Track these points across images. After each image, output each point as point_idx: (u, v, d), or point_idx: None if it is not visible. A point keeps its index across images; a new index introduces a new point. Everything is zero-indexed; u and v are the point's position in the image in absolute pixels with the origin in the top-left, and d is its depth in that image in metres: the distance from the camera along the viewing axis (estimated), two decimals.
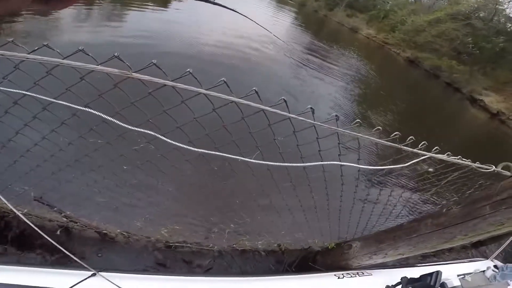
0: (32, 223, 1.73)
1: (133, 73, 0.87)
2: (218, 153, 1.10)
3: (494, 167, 1.08)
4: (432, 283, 1.53)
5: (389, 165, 1.32)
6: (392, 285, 1.77)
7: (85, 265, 1.32)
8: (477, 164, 1.12)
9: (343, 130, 1.11)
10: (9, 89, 1.08)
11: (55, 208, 1.98)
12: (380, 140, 1.07)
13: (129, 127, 0.99)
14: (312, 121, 1.01)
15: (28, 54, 0.84)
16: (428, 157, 1.26)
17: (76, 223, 2.01)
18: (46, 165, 1.45)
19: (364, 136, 1.19)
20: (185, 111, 1.09)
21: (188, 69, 0.95)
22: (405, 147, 1.24)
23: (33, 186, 1.75)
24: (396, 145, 1.23)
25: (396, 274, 1.80)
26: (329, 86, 8.97)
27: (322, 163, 1.25)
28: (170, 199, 1.92)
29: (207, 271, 2.14)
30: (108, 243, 2.07)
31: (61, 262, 1.83)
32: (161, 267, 2.10)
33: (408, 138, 1.23)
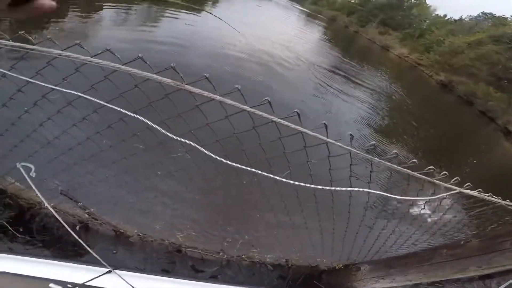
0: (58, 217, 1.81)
1: (186, 85, 0.96)
2: (251, 169, 1.16)
3: None
4: None
5: (417, 197, 1.34)
6: None
7: (103, 262, 1.37)
8: (507, 202, 1.16)
9: (356, 151, 1.17)
10: (64, 90, 1.18)
11: (80, 204, 2.05)
12: (411, 172, 1.11)
13: (173, 136, 1.08)
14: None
15: (91, 57, 0.93)
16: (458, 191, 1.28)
17: (97, 220, 2.08)
18: (84, 164, 1.53)
19: (381, 161, 1.21)
20: (224, 125, 1.17)
21: (237, 86, 1.02)
22: (438, 181, 1.24)
23: (65, 182, 1.82)
24: (429, 178, 1.23)
25: None
26: (354, 107, 8.76)
27: (351, 189, 1.25)
28: (194, 206, 1.98)
29: (213, 278, 2.18)
30: (123, 242, 2.13)
31: (77, 256, 1.89)
32: (168, 270, 2.14)
33: (442, 173, 1.19)
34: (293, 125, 0.97)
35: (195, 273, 2.21)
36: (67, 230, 2.05)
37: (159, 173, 1.68)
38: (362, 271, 2.05)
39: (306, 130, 0.99)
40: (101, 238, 2.10)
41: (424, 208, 1.50)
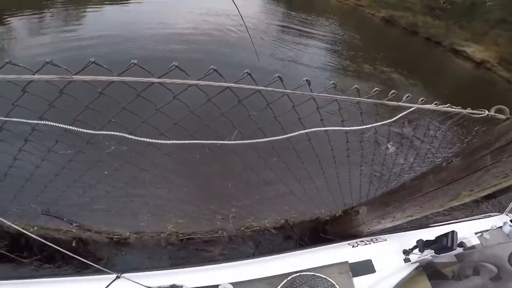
0: (48, 238, 1.83)
1: (74, 76, 0.77)
2: (196, 141, 1.01)
3: (487, 111, 0.88)
4: (449, 244, 1.40)
5: (376, 123, 1.19)
6: (409, 249, 1.66)
7: (107, 270, 1.36)
8: (468, 110, 0.92)
9: (317, 94, 1.02)
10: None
11: (65, 219, 2.09)
12: (361, 98, 0.97)
13: (95, 132, 0.92)
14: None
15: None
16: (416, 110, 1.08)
17: (89, 231, 2.12)
18: (31, 184, 1.48)
19: (343, 97, 1.08)
20: (142, 105, 1.00)
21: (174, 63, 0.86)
22: (387, 102, 1.09)
23: (35, 202, 1.82)
24: (377, 101, 1.09)
25: (411, 237, 1.69)
26: (309, 54, 8.19)
27: (305, 131, 1.14)
28: (163, 196, 1.92)
29: (222, 258, 2.18)
30: (123, 245, 2.18)
31: (83, 269, 1.95)
32: (178, 260, 2.17)
33: (390, 93, 1.11)
34: (247, 86, 0.88)
35: (203, 257, 2.22)
36: (66, 246, 2.12)
37: (105, 173, 1.59)
38: (361, 214, 1.90)
39: (261, 88, 0.91)
40: (99, 246, 2.15)
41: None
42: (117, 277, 1.38)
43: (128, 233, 2.14)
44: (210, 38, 7.28)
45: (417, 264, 1.63)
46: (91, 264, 1.34)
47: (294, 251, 1.80)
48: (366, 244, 1.84)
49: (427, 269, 1.52)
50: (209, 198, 2.20)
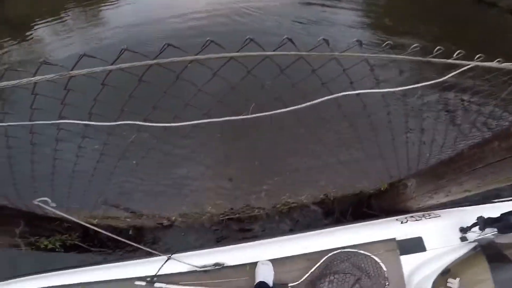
0: (107, 228, 2.07)
1: (71, 72, 0.76)
2: (213, 120, 0.96)
3: None
4: None
5: (423, 83, 0.96)
6: (467, 226, 1.43)
7: (159, 253, 1.49)
8: None
9: (371, 55, 0.86)
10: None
11: (120, 207, 2.34)
12: (399, 56, 0.82)
13: (107, 123, 0.94)
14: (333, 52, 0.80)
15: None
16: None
17: (141, 217, 2.35)
18: (83, 179, 1.62)
19: (377, 55, 0.88)
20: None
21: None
22: (434, 59, 0.85)
23: (93, 195, 2.02)
24: (421, 58, 0.88)
25: (470, 214, 1.45)
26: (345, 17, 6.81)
27: (335, 95, 0.98)
28: (195, 179, 1.95)
29: (262, 235, 2.22)
30: (170, 228, 2.37)
31: (139, 253, 2.17)
32: (221, 239, 2.29)
33: (436, 49, 0.87)
34: (290, 52, 0.78)
35: (244, 235, 2.29)
36: (124, 233, 2.39)
37: (134, 162, 1.65)
38: (409, 188, 1.68)
39: (305, 53, 0.81)
40: (153, 230, 2.38)
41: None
42: (168, 258, 1.52)
43: (174, 217, 2.30)
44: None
45: (475, 243, 1.40)
46: (145, 249, 1.47)
47: (335, 226, 1.70)
48: (416, 220, 1.65)
49: (487, 250, 1.29)
50: (240, 177, 2.19)
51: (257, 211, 2.25)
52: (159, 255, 1.50)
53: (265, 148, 1.97)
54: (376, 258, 1.51)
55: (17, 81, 0.72)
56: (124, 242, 1.53)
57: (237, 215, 2.29)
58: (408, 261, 1.50)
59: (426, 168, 1.59)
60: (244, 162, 2.19)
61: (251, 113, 0.95)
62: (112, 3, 5.12)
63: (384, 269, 1.47)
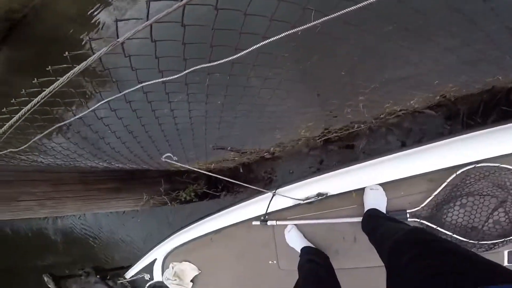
0: (222, 170, 2.38)
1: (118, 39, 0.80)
2: (273, 39, 0.85)
3: None
4: None
5: None
6: None
7: (265, 190, 1.61)
8: None
9: None
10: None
11: (229, 148, 2.60)
12: None
13: (176, 76, 0.99)
14: None
15: None
16: None
17: (245, 153, 2.56)
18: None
19: None
20: None
21: None
22: None
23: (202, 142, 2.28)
24: None
25: None
26: None
27: None
28: (281, 104, 1.77)
29: (366, 154, 2.04)
30: (272, 160, 2.49)
31: (251, 191, 2.37)
32: (322, 164, 2.25)
33: None
34: None
35: (347, 156, 2.13)
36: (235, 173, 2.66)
37: (218, 102, 1.65)
38: None
39: None
40: (257, 165, 2.57)
41: None
42: (274, 195, 1.64)
43: (272, 149, 2.39)
44: None
45: None
46: (254, 188, 1.60)
47: (462, 134, 1.25)
48: None
49: None
50: (327, 94, 1.90)
51: (356, 126, 2.00)
52: (266, 192, 1.62)
53: (348, 56, 1.59)
54: None
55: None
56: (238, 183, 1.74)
57: (333, 135, 2.14)
58: None
59: None
60: (327, 75, 1.86)
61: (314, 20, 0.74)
62: None
63: None
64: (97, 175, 2.06)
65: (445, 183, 1.19)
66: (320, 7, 0.81)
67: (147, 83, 0.99)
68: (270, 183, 2.48)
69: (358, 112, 1.91)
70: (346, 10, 0.68)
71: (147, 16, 0.69)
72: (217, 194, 2.71)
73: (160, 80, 0.98)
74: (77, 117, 1.13)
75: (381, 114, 1.91)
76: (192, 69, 0.91)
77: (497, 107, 1.47)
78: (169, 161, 2.01)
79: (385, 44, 1.40)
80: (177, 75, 0.93)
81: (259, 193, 1.76)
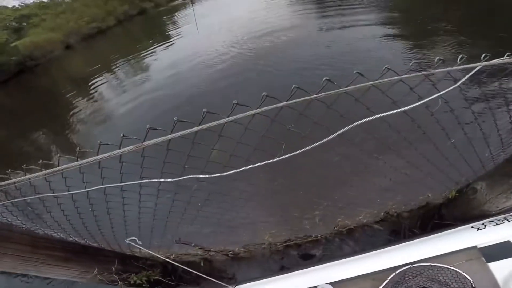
0: (182, 263, 2.31)
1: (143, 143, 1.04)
2: (273, 160, 1.13)
3: None
4: None
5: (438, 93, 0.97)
6: None
7: (225, 285, 1.60)
8: None
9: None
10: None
11: (192, 244, 2.58)
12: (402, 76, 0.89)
13: (175, 179, 1.20)
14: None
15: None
16: None
17: (209, 251, 2.54)
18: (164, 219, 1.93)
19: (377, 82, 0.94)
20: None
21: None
22: (436, 70, 0.88)
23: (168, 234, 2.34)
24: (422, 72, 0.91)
25: None
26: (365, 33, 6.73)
27: (355, 123, 1.05)
28: (250, 213, 2.08)
29: (322, 259, 2.16)
30: (236, 259, 2.49)
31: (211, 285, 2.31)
32: (282, 267, 2.30)
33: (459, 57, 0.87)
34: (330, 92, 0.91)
35: (306, 261, 2.26)
36: (196, 267, 2.58)
37: (199, 204, 1.89)
38: (480, 191, 1.51)
39: (342, 90, 0.94)
40: (221, 262, 2.53)
41: None
42: None
43: (237, 249, 2.43)
44: None
45: None
46: (214, 281, 1.62)
47: (402, 242, 1.58)
48: (497, 224, 1.44)
49: None
50: (289, 207, 2.25)
51: (313, 236, 2.23)
52: (226, 287, 1.62)
53: (306, 180, 2.03)
54: (457, 269, 1.34)
55: (109, 153, 1.02)
56: (197, 274, 1.71)
57: (293, 242, 2.30)
58: (499, 268, 1.30)
59: (494, 168, 1.43)
60: (290, 193, 2.26)
61: (284, 154, 1.10)
62: (150, 55, 6.02)
63: (470, 279, 1.29)
64: (49, 242, 1.96)
65: (387, 281, 1.36)
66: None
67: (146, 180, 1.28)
68: (230, 279, 2.35)
69: (315, 224, 2.22)
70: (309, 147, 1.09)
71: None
72: (172, 283, 2.45)
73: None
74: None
75: (335, 227, 2.20)
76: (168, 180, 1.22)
77: (430, 220, 1.82)
78: (132, 243, 2.03)
79: (335, 171, 1.86)
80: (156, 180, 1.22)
81: (218, 287, 1.72)
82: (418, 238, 1.58)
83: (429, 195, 1.87)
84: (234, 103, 0.99)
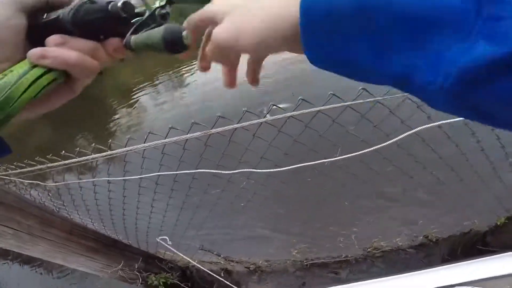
0: (206, 270, 2.30)
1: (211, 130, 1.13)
2: (303, 164, 1.20)
3: None
4: None
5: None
6: None
7: None
8: None
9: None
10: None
11: (215, 252, 2.56)
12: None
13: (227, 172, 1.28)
14: None
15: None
16: None
17: (232, 261, 2.49)
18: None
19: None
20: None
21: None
22: None
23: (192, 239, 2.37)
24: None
25: None
26: None
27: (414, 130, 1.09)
28: (283, 222, 2.04)
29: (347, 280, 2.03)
30: (257, 272, 2.41)
31: None
32: (304, 283, 2.19)
33: None
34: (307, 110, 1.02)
35: (331, 281, 2.14)
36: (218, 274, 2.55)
37: (242, 204, 1.91)
38: None
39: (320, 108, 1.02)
40: (241, 274, 2.46)
41: None
42: None
43: (260, 262, 2.36)
44: None
45: None
46: None
47: (439, 266, 1.45)
48: None
49: None
50: (328, 220, 2.17)
51: (344, 256, 2.11)
52: None
53: (352, 189, 1.98)
54: None
55: (176, 138, 1.12)
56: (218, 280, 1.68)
57: (321, 260, 2.19)
58: None
59: None
60: (335, 203, 2.21)
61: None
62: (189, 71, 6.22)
63: None
64: (84, 231, 2.06)
65: None
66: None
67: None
68: None
69: (349, 242, 2.11)
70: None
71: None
72: None
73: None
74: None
75: (369, 247, 2.08)
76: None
77: (473, 247, 1.66)
78: (162, 243, 2.08)
79: (385, 184, 1.79)
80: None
81: None
82: (457, 262, 1.44)
83: (475, 221, 1.72)
84: (271, 104, 1.06)
